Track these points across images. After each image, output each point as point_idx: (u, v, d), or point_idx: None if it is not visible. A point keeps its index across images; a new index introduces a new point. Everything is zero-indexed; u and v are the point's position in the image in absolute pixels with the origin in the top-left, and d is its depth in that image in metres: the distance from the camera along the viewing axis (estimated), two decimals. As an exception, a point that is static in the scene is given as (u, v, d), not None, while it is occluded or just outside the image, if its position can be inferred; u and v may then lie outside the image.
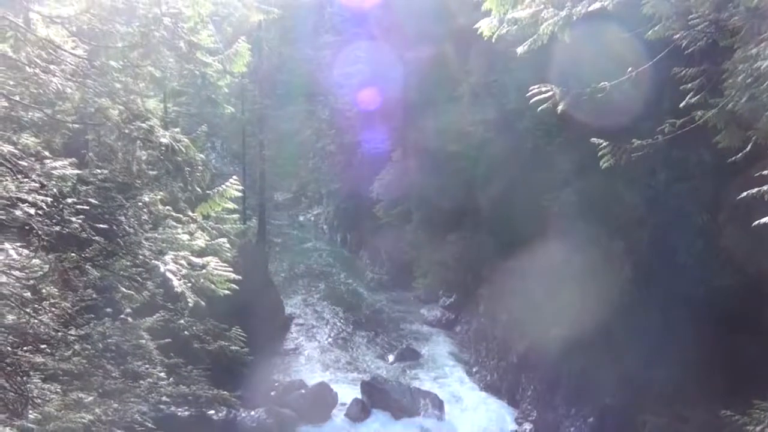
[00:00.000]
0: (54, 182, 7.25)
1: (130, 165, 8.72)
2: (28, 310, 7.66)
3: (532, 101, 8.95)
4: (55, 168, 7.24)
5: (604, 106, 9.25)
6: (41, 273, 7.88)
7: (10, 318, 7.61)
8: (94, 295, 10.13)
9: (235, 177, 11.02)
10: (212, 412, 16.67)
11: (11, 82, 7.61)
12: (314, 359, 23.79)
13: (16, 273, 6.96)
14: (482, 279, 23.63)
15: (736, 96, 7.61)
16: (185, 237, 9.67)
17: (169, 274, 8.55)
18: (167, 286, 9.05)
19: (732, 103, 7.71)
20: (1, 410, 7.77)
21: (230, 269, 9.36)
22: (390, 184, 28.94)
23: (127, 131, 8.32)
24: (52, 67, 7.56)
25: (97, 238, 8.36)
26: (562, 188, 18.13)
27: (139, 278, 9.69)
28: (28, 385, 8.16)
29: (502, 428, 19.46)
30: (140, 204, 9.33)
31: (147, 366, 11.79)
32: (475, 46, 20.59)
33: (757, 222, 6.75)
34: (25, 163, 6.98)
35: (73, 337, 9.34)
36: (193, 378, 13.89)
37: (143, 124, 8.36)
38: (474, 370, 22.86)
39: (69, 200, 7.68)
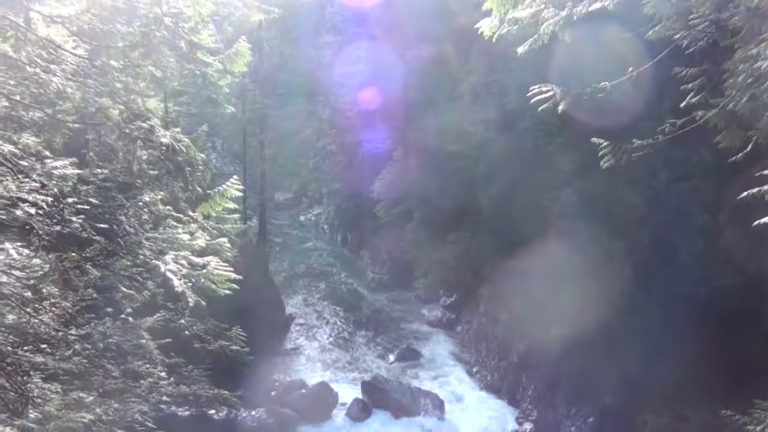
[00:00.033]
0: (54, 182, 7.24)
1: (130, 165, 8.71)
2: (28, 309, 7.67)
3: (532, 101, 8.94)
4: (56, 168, 7.23)
5: (604, 106, 9.25)
6: (42, 273, 7.88)
7: (11, 318, 7.62)
8: (95, 295, 10.12)
9: (235, 177, 11.00)
10: (213, 411, 16.72)
11: (12, 82, 7.61)
12: (315, 359, 23.78)
13: (17, 273, 6.96)
14: (483, 279, 23.62)
15: (737, 96, 7.61)
16: (186, 237, 9.65)
17: (169, 274, 8.54)
18: (168, 286, 9.03)
19: (732, 103, 7.72)
20: (1, 410, 7.77)
21: (231, 269, 9.34)
22: (390, 184, 28.89)
23: (127, 131, 8.31)
24: (52, 66, 7.55)
25: (97, 237, 8.35)
26: (563, 188, 18.14)
27: (139, 278, 9.66)
28: (29, 385, 8.17)
29: (503, 428, 19.47)
30: (141, 204, 9.32)
31: (147, 366, 11.76)
32: (476, 46, 20.65)
33: (757, 222, 6.74)
34: (26, 163, 6.97)
35: (73, 337, 9.33)
36: (194, 378, 13.89)
37: (144, 124, 8.34)
38: (474, 369, 22.86)
39: (69, 200, 7.67)
